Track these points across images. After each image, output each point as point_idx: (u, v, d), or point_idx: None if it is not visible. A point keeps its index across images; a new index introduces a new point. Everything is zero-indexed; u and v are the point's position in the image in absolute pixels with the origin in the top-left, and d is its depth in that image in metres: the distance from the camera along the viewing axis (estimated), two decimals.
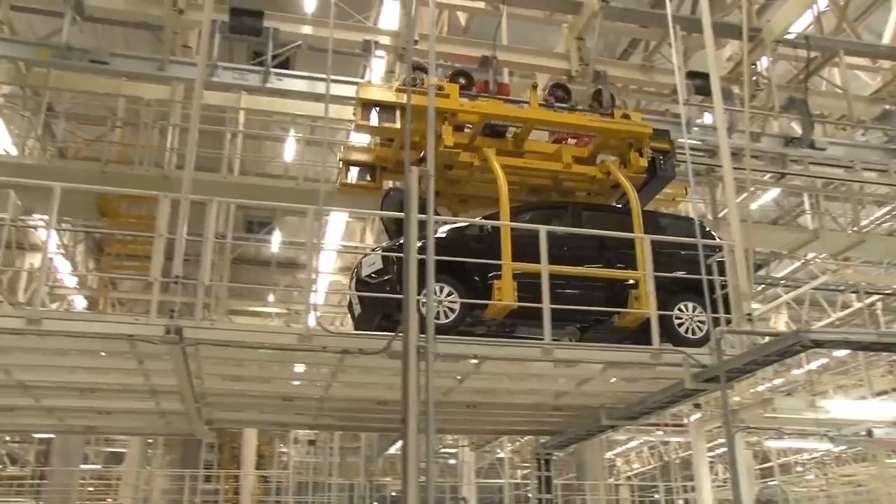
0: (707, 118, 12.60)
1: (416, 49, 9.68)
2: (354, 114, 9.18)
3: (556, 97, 10.06)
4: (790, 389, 20.99)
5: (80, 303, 21.51)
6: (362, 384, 9.36)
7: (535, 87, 9.74)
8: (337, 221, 17.54)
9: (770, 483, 22.93)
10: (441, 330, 7.60)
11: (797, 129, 13.03)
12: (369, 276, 8.53)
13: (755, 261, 12.30)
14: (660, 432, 25.04)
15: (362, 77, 10.96)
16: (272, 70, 10.17)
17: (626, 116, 9.75)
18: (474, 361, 8.32)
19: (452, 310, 8.26)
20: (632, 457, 33.56)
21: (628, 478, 32.30)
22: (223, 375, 9.00)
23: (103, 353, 8.08)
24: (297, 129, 15.91)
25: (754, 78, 12.36)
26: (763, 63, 12.75)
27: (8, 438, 23.72)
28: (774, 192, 17.14)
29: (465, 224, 9.18)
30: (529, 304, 7.89)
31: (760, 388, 18.51)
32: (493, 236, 8.44)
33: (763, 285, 18.96)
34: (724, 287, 8.40)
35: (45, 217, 10.33)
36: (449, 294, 8.26)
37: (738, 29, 11.20)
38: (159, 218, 7.20)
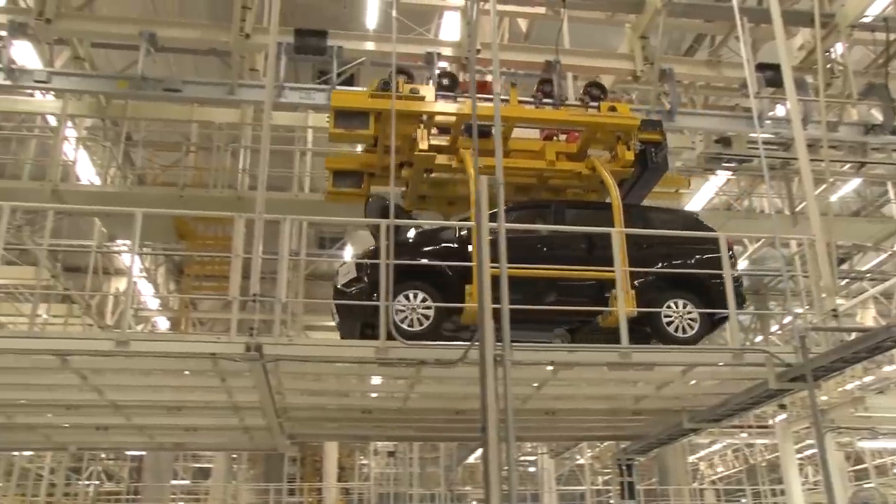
0: (780, 110, 12.25)
1: (479, 58, 9.70)
2: (328, 121, 9.16)
3: (544, 93, 9.94)
4: (882, 387, 20.15)
5: (162, 324, 22.21)
6: (439, 394, 9.38)
7: (513, 84, 9.60)
8: None
9: (865, 486, 22.03)
10: (415, 337, 7.64)
11: (878, 116, 12.55)
12: (344, 285, 8.49)
13: (837, 255, 11.90)
14: (744, 434, 24.36)
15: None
16: (337, 88, 10.32)
17: (612, 109, 9.44)
18: (550, 368, 8.25)
19: (427, 317, 8.05)
20: (715, 460, 32.72)
21: (713, 482, 31.49)
22: (302, 390, 9.15)
23: (187, 372, 8.32)
24: None
25: (829, 66, 11.95)
26: (838, 49, 12.31)
27: (103, 456, 24.60)
28: (855, 183, 16.55)
29: (439, 227, 9.10)
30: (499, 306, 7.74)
31: (849, 387, 17.82)
32: (469, 239, 8.12)
33: (847, 280, 18.30)
34: (720, 281, 8.16)
35: (128, 242, 10.74)
36: (423, 300, 8.06)
37: (810, 16, 10.85)
38: (235, 238, 7.38)
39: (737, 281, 8.75)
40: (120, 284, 20.52)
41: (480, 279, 6.22)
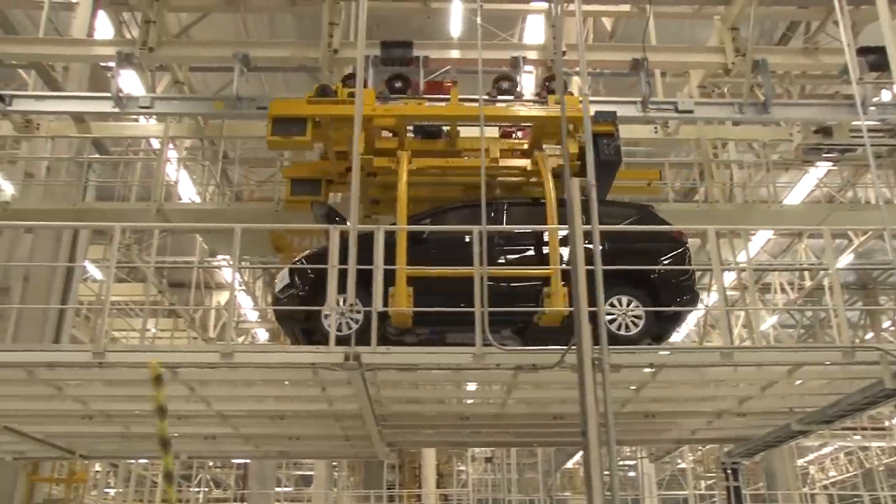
0: (885, 95, 11.69)
1: (565, 59, 9.63)
2: (266, 128, 9.20)
3: (500, 90, 9.73)
4: None
5: (262, 335, 22.88)
6: (537, 399, 9.34)
7: (454, 82, 9.44)
8: None
9: None
10: (346, 341, 7.39)
11: None
12: (279, 291, 8.55)
13: None
14: (857, 437, 23.27)
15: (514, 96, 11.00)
16: (425, 97, 10.42)
17: (559, 102, 9.19)
18: (649, 370, 8.10)
19: (356, 320, 7.90)
20: (826, 464, 31.37)
21: (824, 487, 30.18)
22: (400, 398, 9.25)
23: (287, 382, 8.53)
24: None
25: None
26: None
27: (211, 464, 25.53)
28: None
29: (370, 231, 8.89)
30: (425, 308, 7.63)
31: None
32: (406, 241, 8.07)
33: None
34: (673, 277, 7.81)
35: (228, 257, 11.12)
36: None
37: None
38: (331, 250, 7.52)
39: (687, 275, 8.45)
40: (221, 298, 21.32)
41: (575, 281, 6.15)
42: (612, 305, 8.05)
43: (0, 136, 13.35)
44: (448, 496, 26.11)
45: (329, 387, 8.28)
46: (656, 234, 8.67)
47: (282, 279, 8.68)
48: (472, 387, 9.50)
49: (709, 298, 19.63)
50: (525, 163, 9.39)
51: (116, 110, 10.51)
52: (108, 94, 10.39)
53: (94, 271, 17.81)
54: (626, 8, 12.09)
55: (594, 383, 5.81)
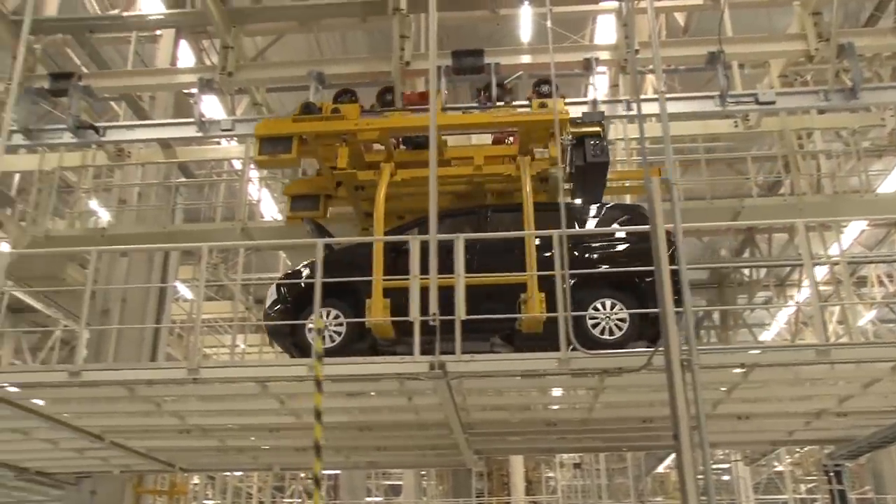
0: None
1: (640, 58, 9.49)
2: (254, 147, 9.30)
3: (489, 96, 9.64)
4: None
5: None
6: (624, 403, 9.20)
7: (438, 91, 9.24)
8: None
9: None
10: (329, 353, 7.52)
11: None
12: (269, 307, 8.73)
13: None
14: None
15: (585, 95, 10.90)
16: (497, 104, 10.42)
17: (543, 105, 9.04)
18: (740, 371, 7.87)
19: (339, 333, 8.19)
20: None
21: None
22: (485, 405, 9.26)
23: (373, 393, 8.63)
24: None
25: None
26: None
27: (303, 475, 26.03)
28: None
29: (356, 243, 9.09)
30: (401, 318, 7.57)
31: None
32: (387, 252, 8.22)
33: None
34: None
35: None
36: (336, 317, 8.23)
37: None
38: (412, 260, 7.59)
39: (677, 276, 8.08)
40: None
41: (662, 286, 6.04)
42: (595, 309, 7.96)
43: (95, 165, 14.01)
44: (538, 503, 25.92)
45: (415, 396, 8.35)
46: (641, 234, 8.23)
47: (271, 295, 8.85)
48: (557, 392, 9.44)
49: (800, 294, 19.01)
50: (508, 168, 9.26)
51: (200, 134, 10.86)
52: (192, 120, 10.75)
53: (184, 291, 18.44)
54: (698, 1, 11.83)
55: (684, 385, 5.69)
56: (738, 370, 7.83)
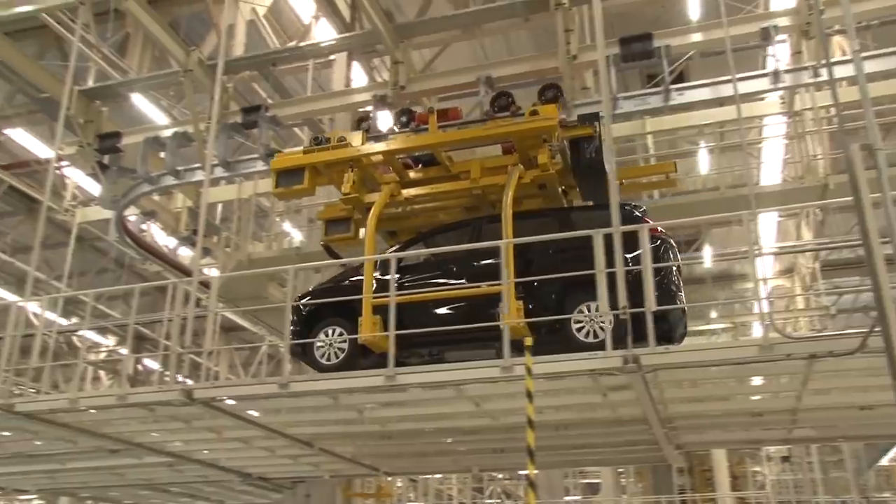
0: None
1: (825, 18, 8.83)
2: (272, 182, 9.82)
3: (499, 106, 9.43)
4: None
5: None
6: (836, 389, 8.58)
7: (431, 110, 9.62)
8: (769, 223, 16.60)
9: None
10: (333, 370, 8.52)
11: None
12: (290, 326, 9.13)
13: None
14: None
15: (764, 68, 10.29)
16: (671, 87, 10.09)
17: (534, 113, 8.95)
18: None
19: (343, 349, 8.71)
20: None
21: None
22: (683, 398, 8.93)
23: (563, 391, 8.54)
24: (706, 139, 15.53)
25: None
26: None
27: (500, 476, 26.37)
28: None
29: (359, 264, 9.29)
30: (395, 332, 7.94)
31: None
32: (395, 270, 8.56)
33: None
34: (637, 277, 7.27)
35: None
36: (340, 334, 8.73)
37: None
38: (596, 254, 7.47)
39: (662, 274, 7.85)
40: None
41: (873, 263, 5.57)
42: (580, 312, 7.94)
43: None
44: (746, 499, 24.65)
45: (610, 392, 8.21)
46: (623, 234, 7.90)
47: (289, 318, 9.23)
48: (757, 381, 8.95)
49: None
50: (502, 179, 9.22)
51: None
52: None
53: None
54: None
55: None
56: None
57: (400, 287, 8.53)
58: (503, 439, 10.23)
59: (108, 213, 13.56)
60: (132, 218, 14.60)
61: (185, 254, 15.96)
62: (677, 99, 10.19)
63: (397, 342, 8.06)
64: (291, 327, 9.18)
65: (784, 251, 17.95)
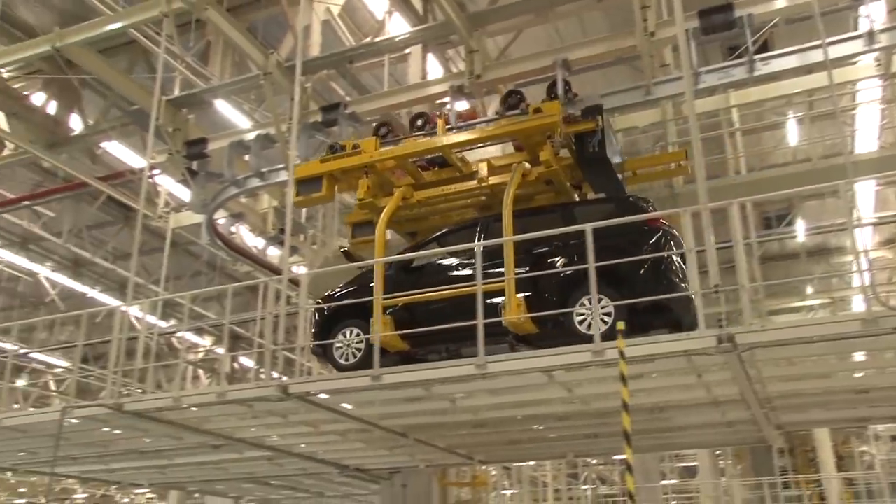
0: None
1: None
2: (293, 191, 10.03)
3: (510, 105, 9.47)
4: None
5: None
6: None
7: (440, 114, 9.92)
8: (866, 192, 15.87)
9: None
10: (349, 370, 8.79)
11: None
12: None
13: None
14: None
15: (855, 29, 9.83)
16: (755, 58, 9.75)
17: (538, 110, 9.09)
18: None
19: (360, 349, 8.91)
20: None
21: None
22: (781, 377, 8.66)
23: (654, 375, 8.40)
24: (795, 109, 14.94)
25: None
26: None
27: (594, 461, 26.17)
28: None
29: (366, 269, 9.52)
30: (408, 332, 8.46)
31: None
32: (408, 272, 9.13)
33: None
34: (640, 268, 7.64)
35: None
36: (357, 335, 8.96)
37: None
38: (686, 233, 7.33)
39: (660, 265, 7.95)
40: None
41: None
42: (581, 305, 7.95)
43: None
44: (853, 480, 23.74)
45: (705, 373, 8.04)
46: (620, 226, 8.06)
47: (310, 319, 9.68)
48: (859, 357, 8.60)
49: None
50: (507, 177, 9.24)
51: None
52: None
53: None
54: None
55: None
56: None
57: (416, 286, 8.85)
58: (596, 424, 10.15)
59: (199, 218, 14.04)
60: (222, 221, 15.08)
61: (274, 253, 16.39)
62: (762, 69, 9.86)
63: (413, 340, 8.50)
64: (313, 329, 9.58)
65: (884, 221, 17.17)
